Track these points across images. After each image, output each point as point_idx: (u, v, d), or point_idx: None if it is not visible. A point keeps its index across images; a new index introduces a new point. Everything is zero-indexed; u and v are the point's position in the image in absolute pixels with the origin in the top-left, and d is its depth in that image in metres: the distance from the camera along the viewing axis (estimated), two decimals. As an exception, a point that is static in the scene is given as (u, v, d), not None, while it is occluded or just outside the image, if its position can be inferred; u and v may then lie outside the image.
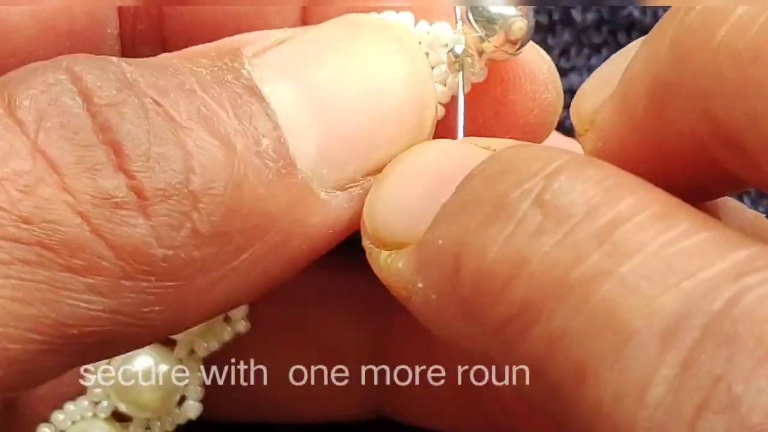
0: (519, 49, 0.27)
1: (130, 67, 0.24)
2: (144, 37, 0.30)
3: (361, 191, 0.26)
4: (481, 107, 0.29)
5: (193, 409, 0.32)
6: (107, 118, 0.23)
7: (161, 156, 0.23)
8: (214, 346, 0.32)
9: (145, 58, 0.26)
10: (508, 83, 0.28)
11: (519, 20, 0.27)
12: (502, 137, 0.27)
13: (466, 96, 0.28)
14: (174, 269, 0.23)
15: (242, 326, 0.32)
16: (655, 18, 0.41)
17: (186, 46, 0.29)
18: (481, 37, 0.27)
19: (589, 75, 0.40)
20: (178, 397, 0.32)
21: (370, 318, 0.34)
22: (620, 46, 0.40)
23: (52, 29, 0.29)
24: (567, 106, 0.40)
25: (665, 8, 0.40)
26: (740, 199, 0.39)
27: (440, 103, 0.28)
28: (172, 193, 0.23)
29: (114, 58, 0.25)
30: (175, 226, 0.23)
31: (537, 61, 0.28)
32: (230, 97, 0.25)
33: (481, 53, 0.28)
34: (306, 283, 0.34)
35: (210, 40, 0.28)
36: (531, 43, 0.28)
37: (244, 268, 0.24)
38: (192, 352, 0.32)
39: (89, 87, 0.23)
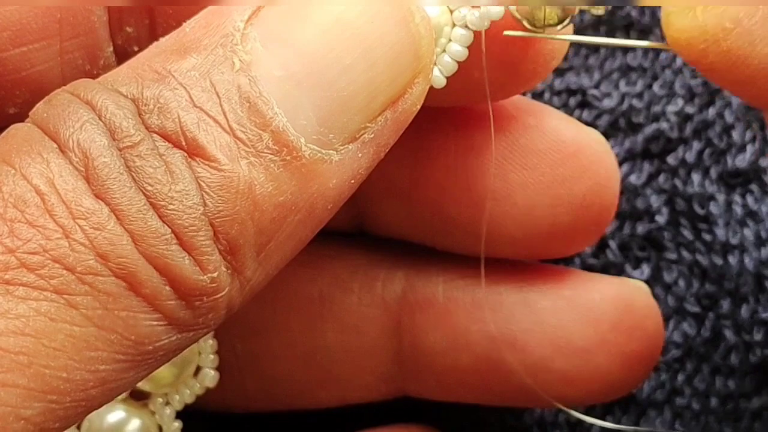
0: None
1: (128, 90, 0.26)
2: (131, 8, 0.31)
3: (372, 135, 0.27)
4: (508, 43, 0.30)
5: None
6: (131, 160, 0.25)
7: (181, 194, 0.25)
8: (186, 397, 0.33)
9: (136, 66, 0.26)
10: None
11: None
12: (532, 67, 0.30)
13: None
14: (220, 286, 0.25)
15: (211, 380, 0.33)
16: (653, 18, 0.41)
17: (175, 15, 0.29)
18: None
19: (587, 75, 0.41)
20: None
21: (388, 294, 0.35)
22: (618, 46, 0.41)
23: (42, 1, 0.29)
24: (565, 105, 0.41)
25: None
26: (743, 197, 0.40)
27: (465, 46, 0.28)
28: (199, 226, 0.25)
29: (114, 88, 0.26)
30: (209, 252, 0.25)
31: None
32: (225, 96, 0.25)
33: None
34: (321, 264, 0.35)
35: (200, 8, 0.28)
36: None
37: (274, 250, 0.26)
38: (167, 404, 0.33)
39: (111, 123, 0.25)
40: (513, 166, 0.33)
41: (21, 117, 0.28)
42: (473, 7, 0.28)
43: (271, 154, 0.25)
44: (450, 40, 0.28)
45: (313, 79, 0.26)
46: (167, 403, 0.33)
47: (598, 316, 0.34)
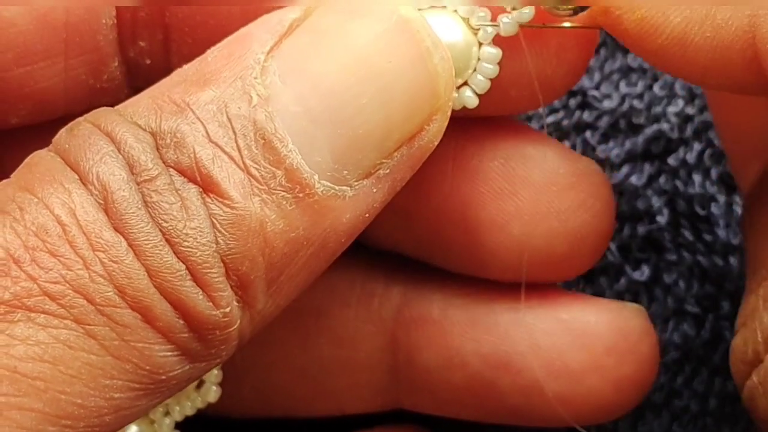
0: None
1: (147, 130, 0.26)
2: (145, 23, 0.31)
3: (387, 170, 0.27)
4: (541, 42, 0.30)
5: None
6: (148, 195, 0.25)
7: (195, 231, 0.25)
8: (187, 409, 0.33)
9: (156, 96, 0.27)
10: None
11: None
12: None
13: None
14: (232, 320, 0.26)
15: (213, 395, 0.34)
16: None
17: (190, 32, 0.29)
18: None
19: (587, 76, 0.41)
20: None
21: (384, 310, 0.35)
22: (618, 47, 0.41)
23: (49, 23, 0.30)
24: (565, 106, 0.41)
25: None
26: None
27: (495, 63, 0.29)
28: (212, 263, 0.25)
29: (133, 120, 0.26)
30: (221, 288, 0.26)
31: None
32: (240, 132, 0.26)
33: None
34: (319, 277, 0.35)
35: (215, 23, 0.29)
36: None
37: (285, 282, 0.27)
38: (167, 414, 0.34)
39: (129, 156, 0.26)
40: (510, 196, 0.33)
41: (24, 126, 0.28)
42: (502, 14, 0.28)
43: (283, 191, 0.26)
44: (479, 59, 0.28)
45: (329, 116, 0.26)
46: (167, 413, 0.33)
47: (592, 340, 0.34)
